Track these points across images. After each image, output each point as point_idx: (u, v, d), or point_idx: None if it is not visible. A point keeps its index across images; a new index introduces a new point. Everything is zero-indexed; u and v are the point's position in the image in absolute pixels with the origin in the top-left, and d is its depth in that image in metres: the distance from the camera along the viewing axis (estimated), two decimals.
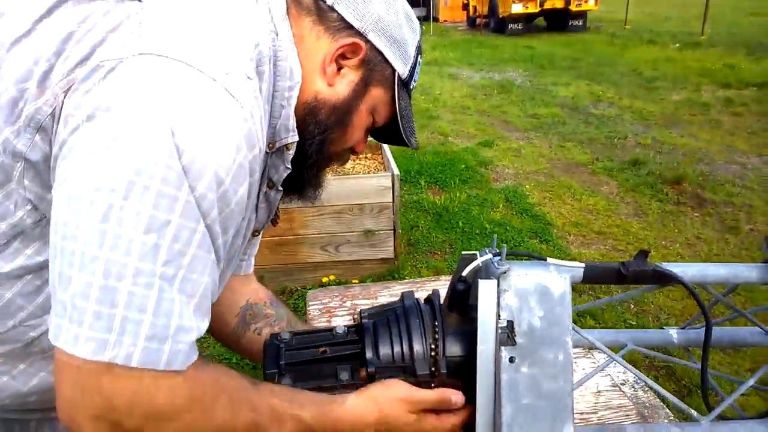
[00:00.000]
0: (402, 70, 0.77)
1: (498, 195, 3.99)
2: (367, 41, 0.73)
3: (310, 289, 2.27)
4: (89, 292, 0.53)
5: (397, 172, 2.70)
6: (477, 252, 0.87)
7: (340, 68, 0.74)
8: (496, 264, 0.81)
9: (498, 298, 0.79)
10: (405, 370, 0.79)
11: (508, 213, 3.75)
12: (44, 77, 0.59)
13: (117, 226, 0.53)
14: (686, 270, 0.87)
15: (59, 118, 0.58)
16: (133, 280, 0.53)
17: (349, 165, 3.02)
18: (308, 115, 0.73)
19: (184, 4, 0.63)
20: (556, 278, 0.82)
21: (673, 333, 1.07)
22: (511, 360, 0.78)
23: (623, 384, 1.23)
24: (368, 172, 2.97)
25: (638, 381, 1.25)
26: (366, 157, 3.18)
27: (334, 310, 1.38)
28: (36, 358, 0.70)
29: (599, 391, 1.13)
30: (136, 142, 0.54)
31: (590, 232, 3.54)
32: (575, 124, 5.80)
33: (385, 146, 3.02)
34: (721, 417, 0.88)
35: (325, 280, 2.82)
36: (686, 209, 3.86)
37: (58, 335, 0.54)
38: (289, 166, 0.74)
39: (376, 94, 0.77)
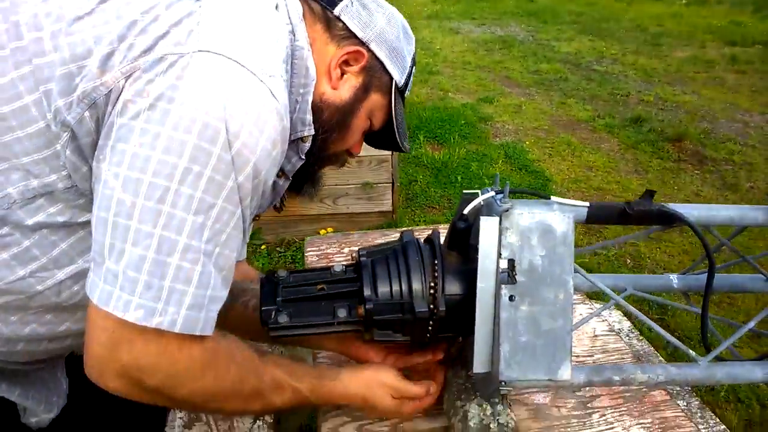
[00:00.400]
0: (399, 78, 0.83)
1: (497, 151, 3.94)
2: (369, 50, 0.79)
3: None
4: (142, 264, 0.59)
5: None
6: (479, 191, 0.85)
7: (343, 73, 0.79)
8: (498, 202, 0.79)
9: (499, 236, 0.78)
10: (403, 307, 0.78)
11: (507, 169, 3.71)
12: (106, 59, 0.62)
13: (171, 208, 0.59)
14: (692, 211, 0.85)
15: (115, 101, 0.61)
16: (181, 255, 0.60)
17: None
18: (314, 114, 0.77)
19: (231, 6, 0.68)
20: (559, 217, 0.80)
21: (673, 278, 1.06)
22: (511, 298, 0.77)
23: (619, 332, 1.23)
24: None
25: (633, 330, 1.26)
26: None
27: (332, 257, 1.37)
28: (31, 311, 0.72)
29: (596, 336, 1.14)
30: (195, 134, 0.59)
31: (589, 188, 3.52)
32: (577, 80, 5.70)
33: None
34: (719, 359, 0.89)
35: (323, 232, 2.81)
36: (686, 166, 3.83)
37: (108, 301, 0.60)
38: (303, 157, 0.79)
39: (375, 99, 0.82)
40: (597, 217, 0.84)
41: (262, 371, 0.75)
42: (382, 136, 0.88)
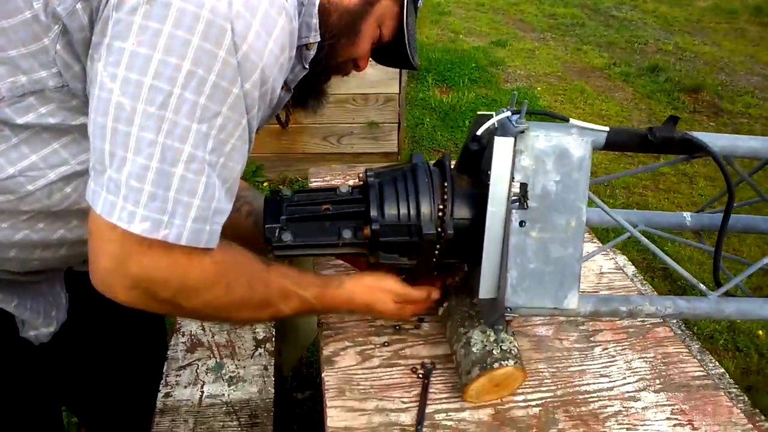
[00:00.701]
0: None
1: (508, 96, 3.83)
2: None
3: None
4: (146, 174, 0.57)
5: None
6: (493, 112, 0.81)
7: None
8: (514, 122, 0.75)
9: (513, 158, 0.74)
10: (410, 229, 0.76)
11: None
12: None
13: (174, 114, 0.56)
14: (715, 141, 0.82)
15: None
16: (186, 165, 0.58)
17: None
18: (321, 17, 0.71)
19: None
20: (576, 141, 0.77)
21: (687, 216, 1.04)
22: (522, 224, 0.75)
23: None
24: None
25: (637, 274, 1.24)
26: None
27: None
28: (23, 217, 0.70)
29: (602, 273, 1.12)
30: (198, 35, 0.55)
31: None
32: (595, 26, 5.50)
33: None
34: (729, 295, 0.87)
35: None
36: (701, 118, 3.74)
37: (112, 212, 0.57)
38: (307, 66, 0.74)
39: (386, 5, 0.77)
40: (616, 143, 0.81)
41: (270, 281, 0.74)
42: (391, 52, 0.84)
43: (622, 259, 1.27)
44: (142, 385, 1.26)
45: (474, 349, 0.79)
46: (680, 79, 4.22)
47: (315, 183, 1.35)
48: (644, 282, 1.24)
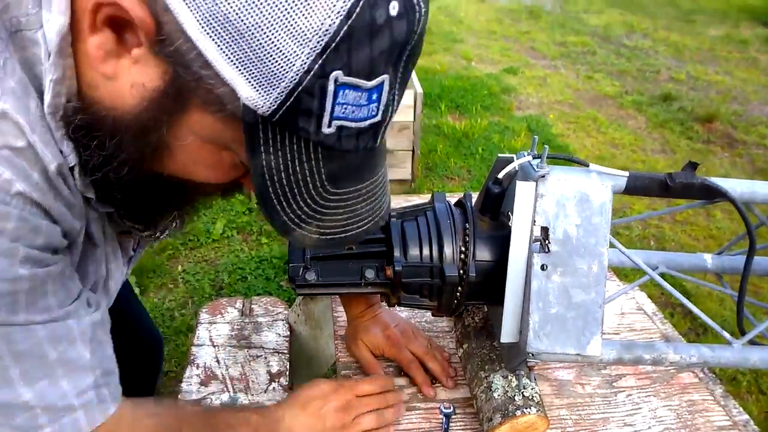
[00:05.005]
0: (253, 95, 0.39)
1: (520, 123, 3.86)
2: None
3: None
4: None
5: (420, 90, 2.59)
6: (514, 155, 0.81)
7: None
8: (535, 167, 0.75)
9: (534, 202, 0.74)
10: (432, 270, 0.76)
11: (529, 142, 3.64)
12: None
13: None
14: (735, 186, 0.81)
15: None
16: None
17: None
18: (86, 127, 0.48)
19: None
20: (597, 185, 0.77)
21: (707, 258, 1.02)
22: (543, 268, 0.74)
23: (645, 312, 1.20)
24: None
25: (657, 312, 1.23)
26: None
27: None
28: None
29: (623, 314, 1.11)
30: None
31: (614, 166, 3.37)
32: (606, 54, 5.53)
33: None
34: (753, 343, 0.85)
35: None
36: (716, 149, 3.72)
37: None
38: (92, 198, 0.53)
39: (198, 120, 0.44)
40: (636, 188, 0.80)
41: (214, 421, 0.71)
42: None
43: (641, 297, 1.25)
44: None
45: (495, 395, 0.78)
46: (693, 109, 4.22)
47: None
48: (664, 321, 1.22)
